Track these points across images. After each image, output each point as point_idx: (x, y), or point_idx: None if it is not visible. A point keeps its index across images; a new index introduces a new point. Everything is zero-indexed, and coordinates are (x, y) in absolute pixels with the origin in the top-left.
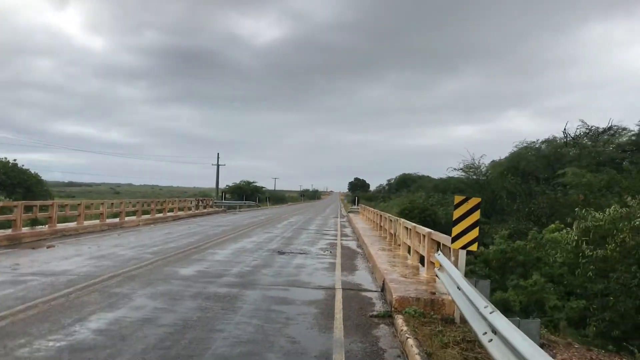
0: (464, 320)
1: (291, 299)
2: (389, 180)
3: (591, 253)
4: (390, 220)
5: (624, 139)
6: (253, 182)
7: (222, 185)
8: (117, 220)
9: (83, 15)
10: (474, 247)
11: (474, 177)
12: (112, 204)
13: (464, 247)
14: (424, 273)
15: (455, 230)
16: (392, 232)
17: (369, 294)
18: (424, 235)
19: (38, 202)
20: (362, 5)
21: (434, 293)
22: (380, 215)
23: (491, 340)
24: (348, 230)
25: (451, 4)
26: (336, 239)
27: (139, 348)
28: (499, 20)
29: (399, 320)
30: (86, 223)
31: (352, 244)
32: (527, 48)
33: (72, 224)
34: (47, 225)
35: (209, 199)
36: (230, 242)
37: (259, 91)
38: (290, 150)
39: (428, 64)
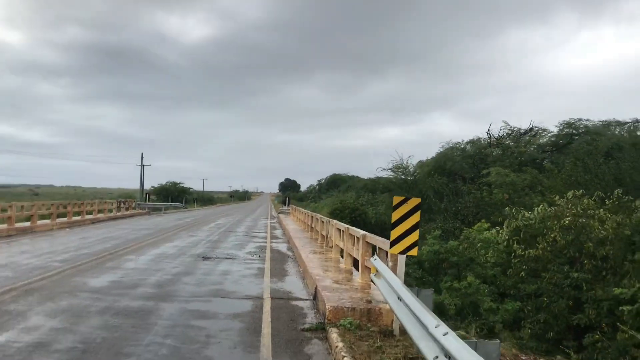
0: (403, 332)
1: (213, 312)
2: (319, 181)
3: (523, 253)
4: (322, 222)
5: (544, 139)
6: (180, 183)
7: (147, 187)
8: (28, 224)
9: None
10: (414, 252)
11: (403, 177)
12: (23, 206)
13: (403, 252)
14: (358, 278)
15: (394, 233)
16: (324, 233)
17: (300, 303)
18: (358, 238)
19: None
20: (290, 6)
21: (370, 301)
22: (312, 217)
23: None
24: (278, 232)
25: (377, 8)
26: (266, 242)
27: None
28: (422, 26)
29: (334, 334)
30: None
31: (283, 247)
32: (449, 53)
33: None
34: None
35: (132, 200)
36: (150, 247)
37: (188, 90)
38: (219, 150)
39: (356, 66)
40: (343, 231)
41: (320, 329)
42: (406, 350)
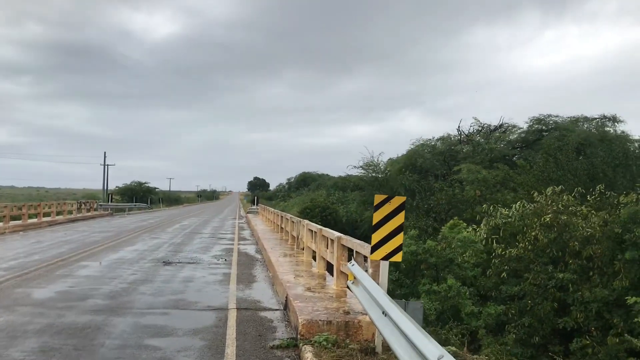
0: (387, 348)
1: (171, 328)
2: (289, 179)
3: (503, 252)
4: (293, 222)
5: (514, 136)
6: (145, 183)
7: (112, 187)
8: None
9: None
10: (397, 257)
11: (374, 174)
12: None
13: (386, 258)
14: (332, 285)
15: (376, 237)
16: (295, 234)
17: (269, 315)
18: (332, 240)
19: None
20: (258, 3)
21: (348, 312)
22: (282, 217)
23: None
24: (246, 233)
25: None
26: (233, 244)
27: None
28: (390, 24)
29: (308, 354)
30: None
31: (251, 249)
32: (418, 51)
33: None
34: None
35: (94, 201)
36: (108, 251)
37: (154, 88)
38: (186, 149)
39: (325, 65)
40: (316, 232)
41: (292, 346)
42: None
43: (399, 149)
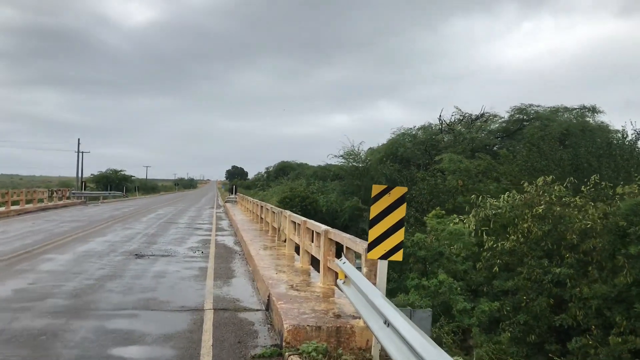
0: (385, 359)
1: (140, 333)
2: (267, 168)
3: (495, 245)
4: (274, 212)
5: (495, 125)
6: (121, 171)
7: (87, 175)
8: None
9: None
10: (398, 256)
11: (354, 163)
12: None
13: (385, 257)
14: (319, 282)
15: (374, 232)
16: (276, 226)
17: (249, 316)
18: (318, 234)
19: None
20: None
21: (338, 316)
22: (261, 207)
23: None
24: (225, 223)
25: None
26: (210, 235)
27: None
28: (369, 14)
29: None
30: None
31: (229, 241)
32: (396, 41)
33: None
34: None
35: (66, 189)
36: (77, 242)
37: (131, 75)
38: (164, 137)
39: (303, 54)
40: (299, 224)
41: (276, 355)
42: None
43: (378, 139)
